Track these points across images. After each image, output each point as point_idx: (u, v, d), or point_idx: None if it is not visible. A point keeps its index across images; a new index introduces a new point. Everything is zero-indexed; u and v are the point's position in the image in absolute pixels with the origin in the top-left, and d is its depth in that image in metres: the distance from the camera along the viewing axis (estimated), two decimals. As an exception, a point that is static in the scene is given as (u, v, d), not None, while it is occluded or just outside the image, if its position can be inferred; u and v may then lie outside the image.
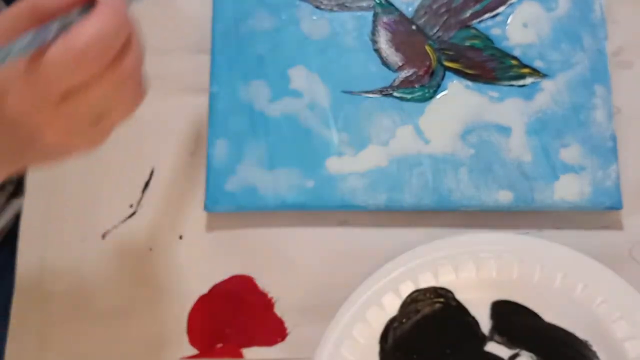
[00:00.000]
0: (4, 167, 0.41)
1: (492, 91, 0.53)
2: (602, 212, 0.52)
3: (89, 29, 0.34)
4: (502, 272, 0.49)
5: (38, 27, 0.34)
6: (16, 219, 0.60)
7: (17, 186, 0.60)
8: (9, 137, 0.38)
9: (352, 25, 0.55)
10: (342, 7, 0.55)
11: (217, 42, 0.55)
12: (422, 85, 0.53)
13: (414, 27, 0.55)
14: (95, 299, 0.54)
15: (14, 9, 0.35)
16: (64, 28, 0.34)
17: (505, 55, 0.54)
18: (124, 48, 0.36)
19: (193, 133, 0.56)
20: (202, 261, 0.54)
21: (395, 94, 0.53)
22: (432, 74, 0.54)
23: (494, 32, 0.54)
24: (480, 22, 0.54)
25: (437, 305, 0.50)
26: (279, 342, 0.52)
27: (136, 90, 0.39)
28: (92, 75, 0.35)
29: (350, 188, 0.52)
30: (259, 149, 0.53)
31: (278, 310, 0.53)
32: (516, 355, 0.48)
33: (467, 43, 0.54)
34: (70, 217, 0.55)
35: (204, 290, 0.53)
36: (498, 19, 0.54)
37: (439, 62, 0.54)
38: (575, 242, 0.50)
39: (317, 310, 0.51)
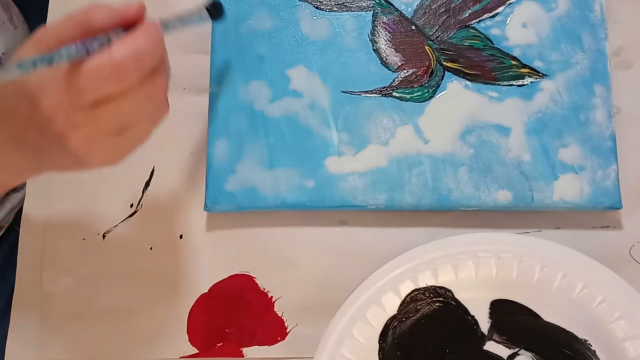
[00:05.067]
0: (26, 167, 0.43)
1: (492, 91, 0.53)
2: (601, 212, 0.52)
3: (127, 45, 0.38)
4: (501, 272, 0.49)
5: (83, 39, 0.38)
6: (15, 214, 0.60)
7: None
8: (37, 136, 0.39)
9: (352, 25, 0.55)
10: (342, 7, 0.55)
11: (217, 42, 0.55)
12: (422, 85, 0.54)
13: (413, 27, 0.55)
14: (95, 298, 0.54)
15: (65, 21, 0.39)
16: (106, 43, 0.38)
17: (504, 55, 0.54)
18: (156, 67, 0.40)
19: (193, 133, 0.56)
20: (202, 260, 0.54)
21: (394, 93, 0.53)
22: (431, 73, 0.54)
23: (494, 32, 0.54)
24: (479, 22, 0.54)
25: (437, 305, 0.50)
26: (279, 341, 0.52)
27: (160, 108, 0.42)
28: (124, 88, 0.38)
29: (350, 188, 0.52)
30: (259, 148, 0.53)
31: (278, 309, 0.53)
32: (515, 354, 0.48)
33: (467, 43, 0.54)
34: (70, 217, 0.55)
35: (204, 289, 0.53)
36: (497, 19, 0.54)
37: (439, 62, 0.54)
38: (574, 242, 0.50)
39: (317, 309, 0.52)
